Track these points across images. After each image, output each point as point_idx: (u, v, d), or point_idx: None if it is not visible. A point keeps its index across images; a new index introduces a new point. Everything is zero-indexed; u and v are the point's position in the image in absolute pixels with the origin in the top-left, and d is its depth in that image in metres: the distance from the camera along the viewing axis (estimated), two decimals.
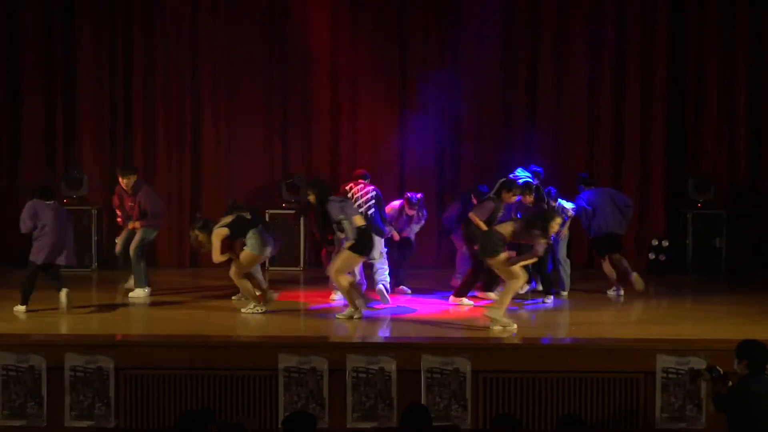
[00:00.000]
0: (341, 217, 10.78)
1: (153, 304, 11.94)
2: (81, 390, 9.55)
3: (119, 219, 12.82)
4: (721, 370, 8.60)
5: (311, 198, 11.11)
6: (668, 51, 14.73)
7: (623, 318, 11.63)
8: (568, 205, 12.31)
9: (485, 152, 14.78)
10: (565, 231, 12.28)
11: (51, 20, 14.73)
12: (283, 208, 14.38)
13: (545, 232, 10.40)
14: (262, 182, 14.80)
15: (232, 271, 11.16)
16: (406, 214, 12.34)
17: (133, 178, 12.49)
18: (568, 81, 14.83)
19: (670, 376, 9.55)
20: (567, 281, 12.46)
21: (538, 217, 10.66)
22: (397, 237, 12.30)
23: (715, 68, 14.69)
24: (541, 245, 10.48)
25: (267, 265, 13.28)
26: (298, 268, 14.31)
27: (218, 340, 10.06)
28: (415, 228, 12.54)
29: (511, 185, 11.68)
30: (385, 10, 14.83)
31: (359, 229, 10.82)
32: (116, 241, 12.79)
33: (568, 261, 12.48)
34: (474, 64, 14.80)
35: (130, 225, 12.45)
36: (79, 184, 14.27)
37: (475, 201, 11.98)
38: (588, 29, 14.76)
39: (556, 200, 12.19)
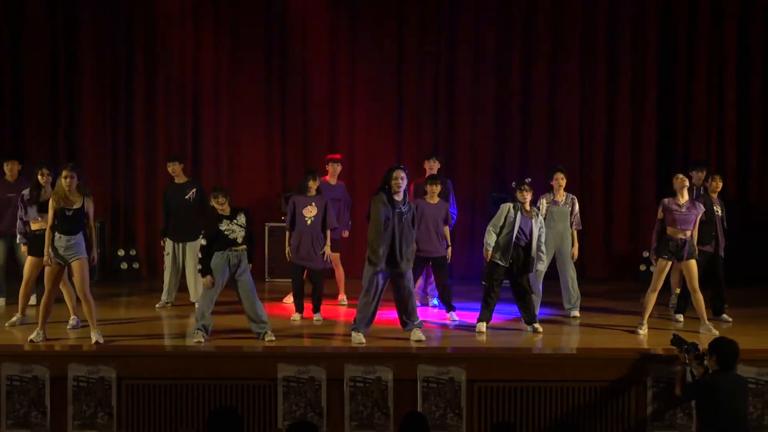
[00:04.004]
0: None
1: (158, 314, 12.05)
2: (83, 400, 9.66)
3: None
4: (701, 349, 8.86)
5: None
6: (659, 68, 15.03)
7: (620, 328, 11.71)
8: None
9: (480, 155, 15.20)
10: None
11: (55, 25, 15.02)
12: (282, 221, 14.45)
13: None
14: (262, 195, 14.89)
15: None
16: None
17: None
18: (560, 94, 15.15)
19: (661, 385, 9.67)
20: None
21: None
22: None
23: (704, 79, 14.93)
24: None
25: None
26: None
27: (219, 350, 10.10)
28: None
29: None
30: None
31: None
32: None
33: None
34: (471, 73, 15.06)
35: None
36: None
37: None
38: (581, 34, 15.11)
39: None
